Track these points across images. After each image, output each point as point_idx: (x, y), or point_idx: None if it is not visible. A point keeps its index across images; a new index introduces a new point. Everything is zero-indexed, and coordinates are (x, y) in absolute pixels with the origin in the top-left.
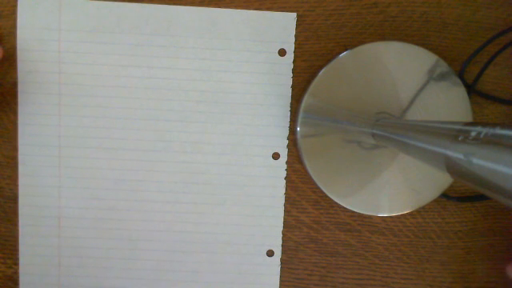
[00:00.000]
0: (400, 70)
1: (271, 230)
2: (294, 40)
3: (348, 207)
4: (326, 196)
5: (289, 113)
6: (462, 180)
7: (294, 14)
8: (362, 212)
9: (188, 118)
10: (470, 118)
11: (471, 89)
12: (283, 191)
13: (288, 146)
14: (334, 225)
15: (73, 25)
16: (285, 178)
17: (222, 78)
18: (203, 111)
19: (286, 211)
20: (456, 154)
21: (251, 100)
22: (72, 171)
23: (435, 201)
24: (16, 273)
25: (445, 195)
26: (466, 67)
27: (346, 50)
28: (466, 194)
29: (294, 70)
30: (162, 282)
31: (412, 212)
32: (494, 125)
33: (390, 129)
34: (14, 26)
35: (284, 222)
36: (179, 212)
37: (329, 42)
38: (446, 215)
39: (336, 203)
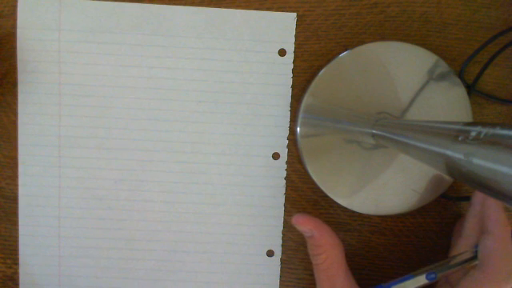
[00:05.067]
0: (400, 70)
1: (271, 229)
2: (293, 40)
3: (348, 207)
4: (326, 196)
5: (289, 113)
6: (462, 180)
7: (294, 14)
8: (361, 212)
9: (188, 118)
10: (470, 118)
11: (471, 89)
12: (283, 191)
13: (288, 145)
14: (333, 225)
15: (73, 25)
16: (285, 178)
17: (222, 77)
18: (203, 111)
19: (285, 211)
20: (456, 153)
21: (251, 100)
22: (72, 171)
23: (435, 201)
24: (16, 273)
25: (445, 195)
26: (465, 67)
27: (346, 50)
28: (465, 194)
29: (294, 70)
30: (162, 282)
31: (412, 212)
32: (493, 125)
33: (390, 129)
34: (14, 26)
35: (284, 222)
36: (179, 212)
37: (329, 42)
38: (445, 215)
39: (336, 203)
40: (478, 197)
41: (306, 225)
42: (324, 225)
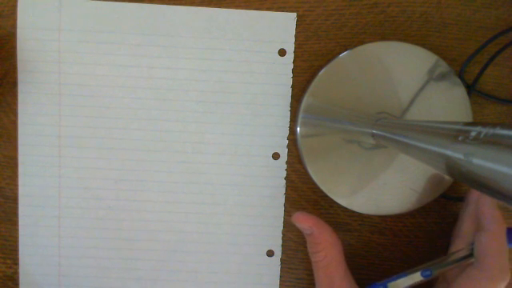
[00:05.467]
0: (400, 70)
1: (271, 230)
2: (293, 40)
3: (348, 207)
4: (326, 196)
5: (289, 113)
6: (462, 180)
7: (294, 14)
8: (361, 212)
9: (188, 118)
10: (470, 118)
11: (471, 89)
12: (283, 191)
13: (288, 145)
14: (333, 225)
15: (73, 25)
16: (285, 178)
17: (221, 77)
18: (203, 111)
19: (285, 211)
20: (456, 153)
21: (251, 100)
22: (72, 171)
23: (435, 201)
24: (16, 273)
25: (445, 195)
26: (465, 67)
27: (346, 50)
28: (465, 194)
29: (293, 70)
30: (162, 282)
31: (412, 212)
32: (493, 125)
33: (390, 129)
34: (14, 26)
35: (284, 222)
36: (179, 212)
37: (329, 42)
38: (446, 215)
39: (336, 203)
40: (473, 195)
41: (305, 222)
42: (323, 223)
